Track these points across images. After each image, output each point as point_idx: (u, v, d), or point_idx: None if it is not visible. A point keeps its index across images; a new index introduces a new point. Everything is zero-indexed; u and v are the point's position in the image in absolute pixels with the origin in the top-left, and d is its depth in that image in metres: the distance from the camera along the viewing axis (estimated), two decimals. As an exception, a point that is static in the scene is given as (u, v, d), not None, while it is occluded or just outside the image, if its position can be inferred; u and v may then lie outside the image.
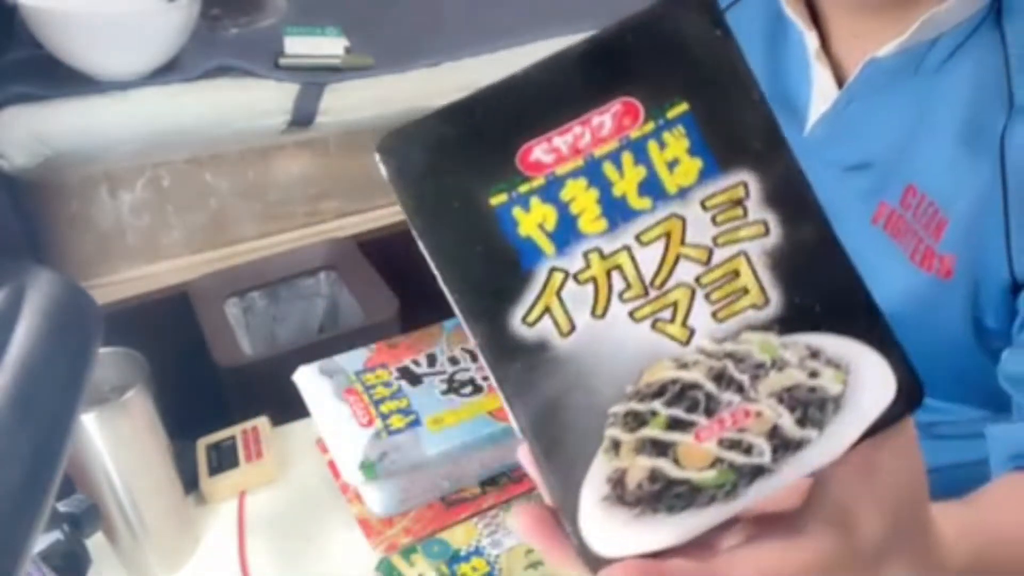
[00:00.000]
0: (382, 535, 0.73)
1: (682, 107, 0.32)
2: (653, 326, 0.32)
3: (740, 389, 0.31)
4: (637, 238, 0.32)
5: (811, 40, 0.68)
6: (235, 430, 0.85)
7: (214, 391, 1.20)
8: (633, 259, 0.32)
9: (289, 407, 0.80)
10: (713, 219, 0.32)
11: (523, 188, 0.32)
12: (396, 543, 0.72)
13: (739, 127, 0.32)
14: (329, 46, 1.49)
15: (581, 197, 0.32)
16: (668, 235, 0.32)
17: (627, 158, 0.32)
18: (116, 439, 0.67)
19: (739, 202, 0.32)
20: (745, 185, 0.32)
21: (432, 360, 0.78)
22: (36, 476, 0.42)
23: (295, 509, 0.79)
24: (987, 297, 0.61)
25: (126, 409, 0.67)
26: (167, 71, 1.34)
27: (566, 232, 0.32)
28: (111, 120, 1.31)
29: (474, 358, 0.78)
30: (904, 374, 0.32)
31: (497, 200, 0.31)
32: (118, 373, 0.69)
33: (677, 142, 0.32)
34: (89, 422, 0.65)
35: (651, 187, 0.32)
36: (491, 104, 0.32)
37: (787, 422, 0.31)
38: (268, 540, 0.77)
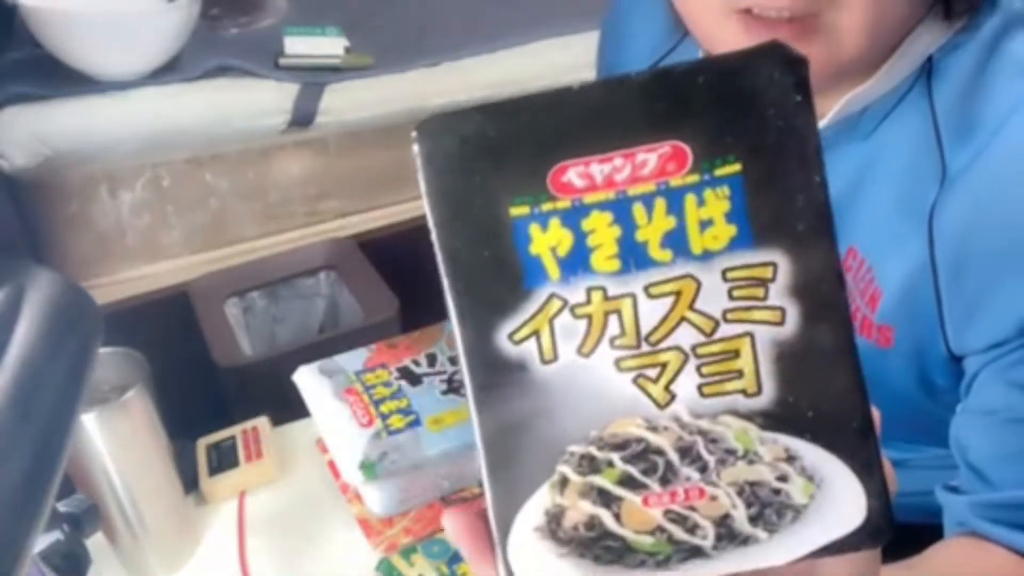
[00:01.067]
0: (382, 535, 0.73)
1: (734, 167, 0.30)
2: (635, 380, 0.31)
3: (703, 469, 0.31)
4: (646, 289, 0.31)
5: None
6: (235, 430, 0.85)
7: (214, 391, 1.20)
8: (636, 308, 0.31)
9: (289, 407, 0.80)
10: (730, 292, 0.31)
11: (546, 206, 0.31)
12: (396, 543, 0.72)
13: (789, 205, 0.31)
14: (329, 46, 1.49)
15: (602, 231, 0.31)
16: (678, 294, 0.31)
17: (660, 205, 0.30)
18: (116, 439, 0.67)
19: (763, 282, 0.30)
20: (775, 267, 0.30)
21: (432, 360, 0.78)
22: (36, 476, 0.42)
23: (295, 509, 0.79)
24: (932, 363, 0.60)
25: (126, 409, 0.67)
26: (167, 71, 1.34)
27: (577, 262, 0.31)
28: (111, 120, 1.31)
29: (474, 358, 0.78)
30: (877, 507, 0.31)
31: (517, 211, 0.31)
32: (118, 373, 0.69)
33: (717, 202, 0.30)
34: (89, 422, 0.65)
35: (676, 241, 0.30)
36: (538, 112, 0.31)
37: (740, 515, 0.31)
38: (268, 540, 0.77)
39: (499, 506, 0.31)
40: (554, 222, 0.31)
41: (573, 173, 0.31)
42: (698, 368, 0.31)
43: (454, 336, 0.32)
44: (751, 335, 0.30)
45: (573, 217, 0.31)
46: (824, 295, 0.31)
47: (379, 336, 0.83)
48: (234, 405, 1.18)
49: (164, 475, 0.73)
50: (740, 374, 0.31)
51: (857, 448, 0.31)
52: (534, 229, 0.31)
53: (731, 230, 0.30)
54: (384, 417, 0.72)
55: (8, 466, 0.40)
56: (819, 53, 0.52)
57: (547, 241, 0.31)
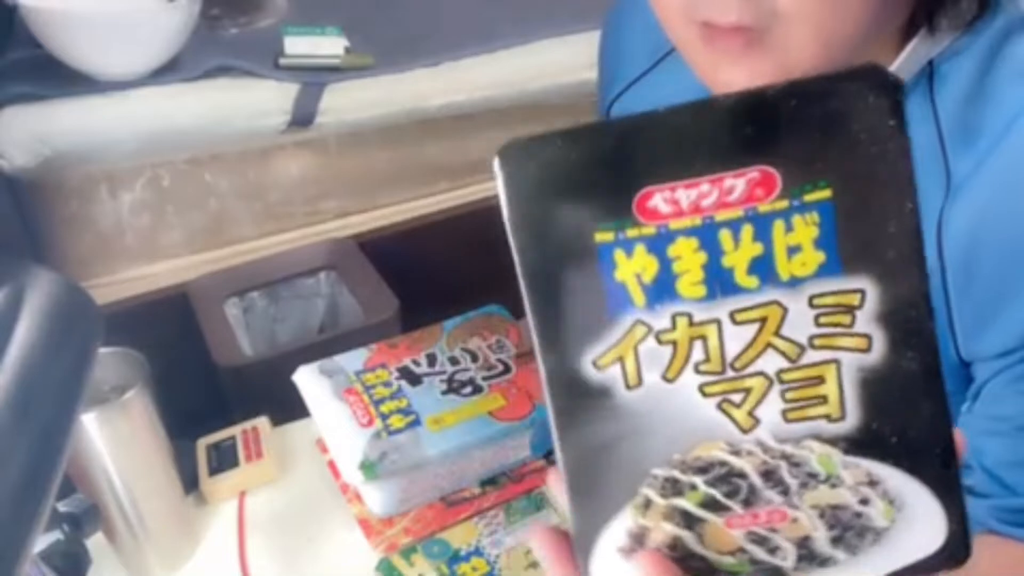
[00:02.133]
0: (382, 535, 0.73)
1: (824, 193, 0.30)
2: (719, 405, 0.31)
3: (785, 492, 0.31)
4: (731, 315, 0.31)
5: None
6: (235, 430, 0.85)
7: (214, 391, 1.20)
8: (721, 334, 0.31)
9: (289, 407, 0.80)
10: (816, 318, 0.31)
11: (632, 232, 0.31)
12: (396, 543, 0.72)
13: (879, 232, 0.30)
14: (329, 46, 1.49)
15: (688, 258, 0.31)
16: (764, 321, 0.31)
17: (747, 231, 0.30)
18: (116, 439, 0.67)
19: (850, 309, 0.30)
20: (863, 294, 0.30)
21: (432, 360, 0.78)
22: (36, 476, 0.42)
23: (295, 509, 0.79)
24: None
25: (126, 409, 0.67)
26: (167, 71, 1.34)
27: (662, 289, 0.31)
28: (111, 120, 1.31)
29: (474, 358, 0.78)
30: (956, 530, 0.31)
31: (602, 237, 0.31)
32: (118, 373, 0.69)
33: (806, 228, 0.30)
34: (89, 422, 0.65)
35: (763, 267, 0.30)
36: (623, 137, 0.31)
37: (821, 536, 0.31)
38: (268, 540, 0.77)
39: (582, 526, 0.32)
40: (639, 248, 0.31)
41: (659, 199, 0.31)
42: (782, 393, 0.31)
43: (536, 360, 0.32)
44: (837, 362, 0.31)
45: (659, 243, 0.31)
46: (912, 322, 0.30)
47: (379, 336, 0.83)
48: (234, 405, 1.18)
49: (164, 475, 0.73)
50: (824, 400, 0.31)
51: (940, 473, 0.31)
52: (619, 255, 0.31)
53: (819, 256, 0.30)
54: (384, 417, 0.72)
55: (8, 466, 0.40)
56: (770, 65, 0.52)
57: (632, 267, 0.31)
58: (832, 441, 0.31)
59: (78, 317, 0.47)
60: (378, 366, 0.77)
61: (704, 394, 0.31)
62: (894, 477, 0.31)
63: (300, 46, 1.47)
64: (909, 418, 0.31)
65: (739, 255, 0.31)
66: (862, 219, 0.30)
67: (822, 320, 0.31)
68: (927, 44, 0.56)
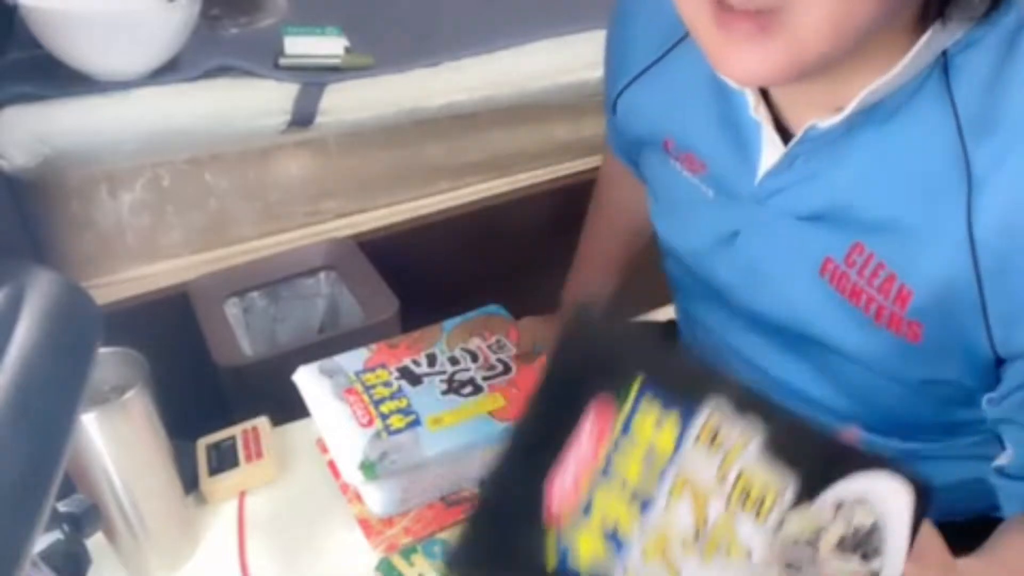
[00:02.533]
0: (382, 535, 0.73)
1: (639, 380, 0.37)
2: (725, 558, 0.36)
3: (805, 564, 0.36)
4: (666, 505, 0.37)
5: (749, 96, 0.66)
6: (235, 430, 0.85)
7: (214, 391, 1.20)
8: (673, 521, 0.36)
9: (289, 407, 0.80)
10: (708, 452, 0.37)
11: (554, 538, 0.36)
12: (396, 543, 0.72)
13: (686, 372, 0.37)
14: (329, 46, 1.49)
15: (613, 504, 0.37)
16: (685, 484, 0.36)
17: (625, 446, 0.37)
18: (116, 439, 0.67)
19: (717, 429, 0.37)
20: (714, 412, 0.37)
21: (432, 360, 0.78)
22: (36, 476, 0.42)
23: (295, 509, 0.79)
24: (967, 362, 0.60)
25: (126, 409, 0.67)
26: (167, 71, 1.34)
27: (616, 541, 0.36)
28: (111, 120, 1.31)
29: (474, 358, 0.78)
30: (909, 475, 0.38)
31: (552, 561, 0.36)
32: (118, 373, 0.69)
33: (651, 407, 0.37)
34: (89, 422, 0.65)
35: (652, 459, 0.37)
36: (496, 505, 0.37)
37: (855, 565, 0.37)
38: (268, 540, 0.77)
39: None
40: (579, 535, 0.37)
41: (556, 497, 0.37)
42: (743, 511, 0.37)
43: None
44: (743, 465, 0.37)
45: (584, 516, 0.37)
46: (757, 401, 0.38)
47: (379, 336, 0.83)
48: (234, 405, 1.18)
49: (164, 475, 0.73)
50: (765, 488, 0.37)
51: (857, 456, 0.37)
52: (571, 556, 0.36)
53: (674, 414, 0.38)
54: (384, 417, 0.72)
55: (8, 466, 0.40)
56: (780, 50, 0.53)
57: (586, 551, 0.36)
58: (796, 503, 0.37)
59: (78, 317, 0.47)
60: (378, 366, 0.77)
61: (706, 561, 0.37)
62: (845, 486, 0.37)
63: (300, 46, 1.47)
64: (810, 449, 0.38)
65: (633, 469, 0.37)
66: (671, 373, 0.38)
67: (713, 450, 0.37)
68: (940, 36, 0.56)
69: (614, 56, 0.83)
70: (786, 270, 0.68)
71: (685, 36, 0.74)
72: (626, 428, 0.37)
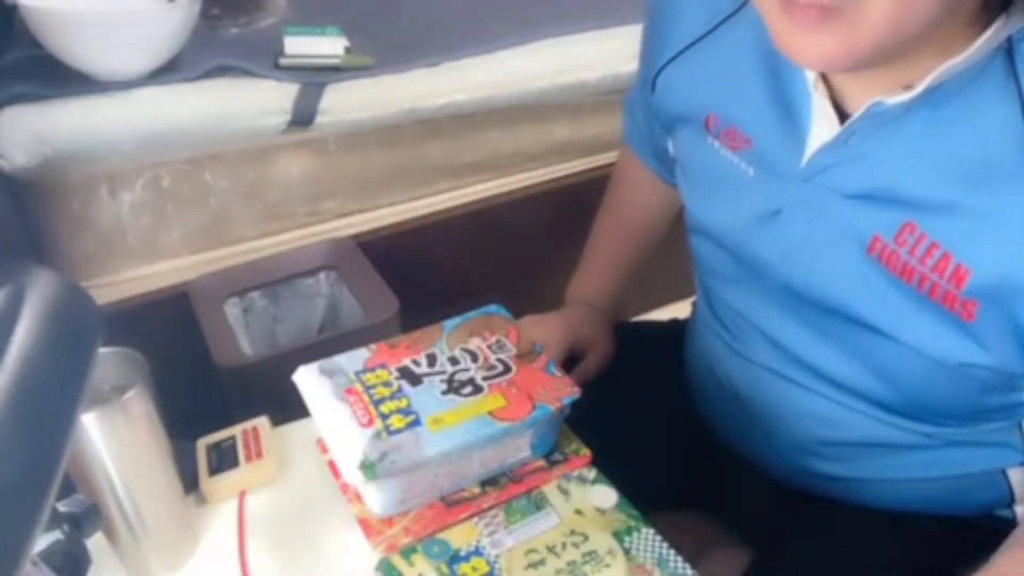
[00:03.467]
0: (382, 535, 0.73)
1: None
2: None
3: None
4: None
5: (809, 73, 0.67)
6: (235, 430, 0.85)
7: (214, 391, 1.20)
8: None
9: (289, 407, 0.80)
10: None
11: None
12: (396, 543, 0.72)
13: None
14: (329, 46, 1.49)
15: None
16: None
17: None
18: (116, 439, 0.67)
19: None
20: None
21: (432, 360, 0.78)
22: (36, 476, 0.42)
23: (295, 509, 0.79)
24: (1015, 344, 0.61)
25: (126, 409, 0.67)
26: (167, 71, 1.34)
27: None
28: (111, 120, 1.31)
29: (474, 358, 0.78)
30: None
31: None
32: (118, 373, 0.69)
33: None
34: (89, 422, 0.65)
35: None
36: None
37: None
38: (268, 540, 0.77)
39: None
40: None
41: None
42: None
43: None
44: None
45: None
46: None
47: (379, 336, 0.83)
48: (234, 405, 1.18)
49: (164, 475, 0.73)
50: None
51: None
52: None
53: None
54: (384, 417, 0.72)
55: (8, 466, 0.40)
56: (839, 39, 0.55)
57: None
58: None
59: (78, 317, 0.47)
60: (378, 366, 0.77)
61: None
62: None
63: (300, 46, 1.47)
64: None
65: None
66: None
67: None
68: (1005, 25, 0.57)
69: (657, 31, 0.83)
70: (831, 248, 0.68)
71: (734, 12, 0.75)
72: None
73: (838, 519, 0.82)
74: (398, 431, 0.71)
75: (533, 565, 0.67)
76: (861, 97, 0.64)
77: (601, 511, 0.70)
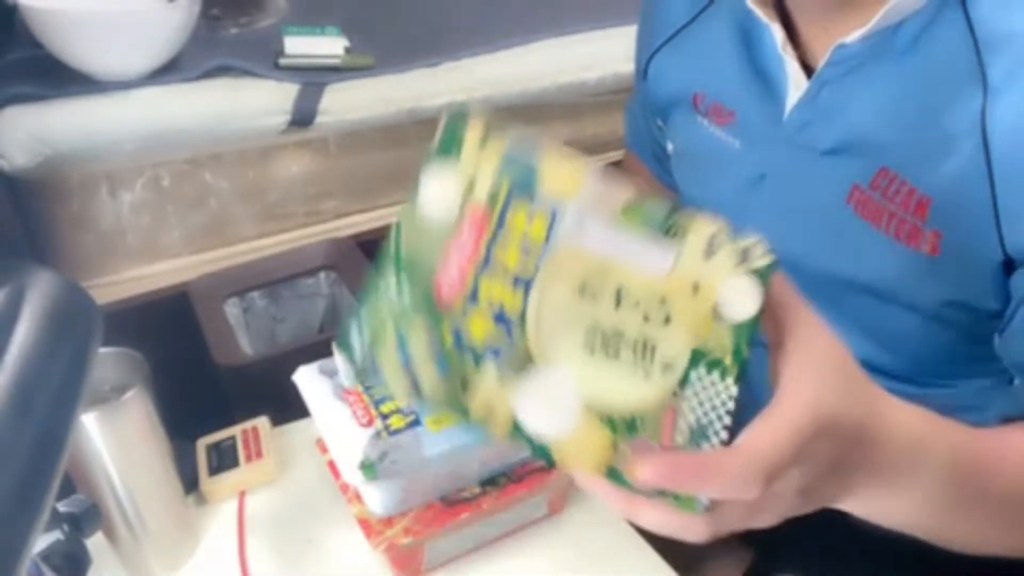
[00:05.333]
0: (382, 535, 0.73)
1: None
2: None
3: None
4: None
5: (776, 33, 0.69)
6: (235, 430, 0.85)
7: (214, 391, 1.20)
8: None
9: (289, 407, 0.80)
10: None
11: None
12: (396, 543, 0.72)
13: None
14: (329, 46, 1.49)
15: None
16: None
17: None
18: (116, 439, 0.67)
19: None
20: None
21: (432, 360, 0.78)
22: (36, 476, 0.42)
23: (295, 509, 0.79)
24: (982, 271, 0.63)
25: (126, 409, 0.67)
26: (167, 71, 1.34)
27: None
28: (111, 120, 1.31)
29: (474, 358, 0.78)
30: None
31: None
32: (118, 373, 0.69)
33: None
34: (89, 422, 0.65)
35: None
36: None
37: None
38: (268, 540, 0.77)
39: None
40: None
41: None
42: None
43: None
44: None
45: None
46: None
47: (379, 336, 0.82)
48: (234, 405, 1.18)
49: (164, 475, 0.73)
50: None
51: None
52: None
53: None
54: (384, 417, 0.72)
55: (8, 466, 0.40)
56: None
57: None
58: None
59: (78, 317, 0.47)
60: (378, 366, 0.77)
61: None
62: None
63: (300, 46, 1.47)
64: None
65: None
66: None
67: None
68: None
69: (648, 21, 0.88)
70: (812, 205, 0.71)
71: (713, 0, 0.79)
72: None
73: (838, 518, 0.82)
74: (398, 431, 0.71)
75: (582, 293, 0.43)
76: (826, 47, 0.66)
77: (716, 312, 0.42)
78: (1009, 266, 0.61)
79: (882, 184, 0.65)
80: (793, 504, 0.42)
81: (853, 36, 0.64)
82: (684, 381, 0.41)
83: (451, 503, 0.75)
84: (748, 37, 0.74)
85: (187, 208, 1.45)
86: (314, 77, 1.42)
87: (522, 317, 0.41)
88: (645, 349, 0.41)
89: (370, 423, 0.71)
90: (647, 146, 0.99)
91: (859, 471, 0.44)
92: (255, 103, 1.38)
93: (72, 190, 1.36)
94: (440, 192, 0.43)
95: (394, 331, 0.41)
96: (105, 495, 0.68)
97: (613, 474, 0.40)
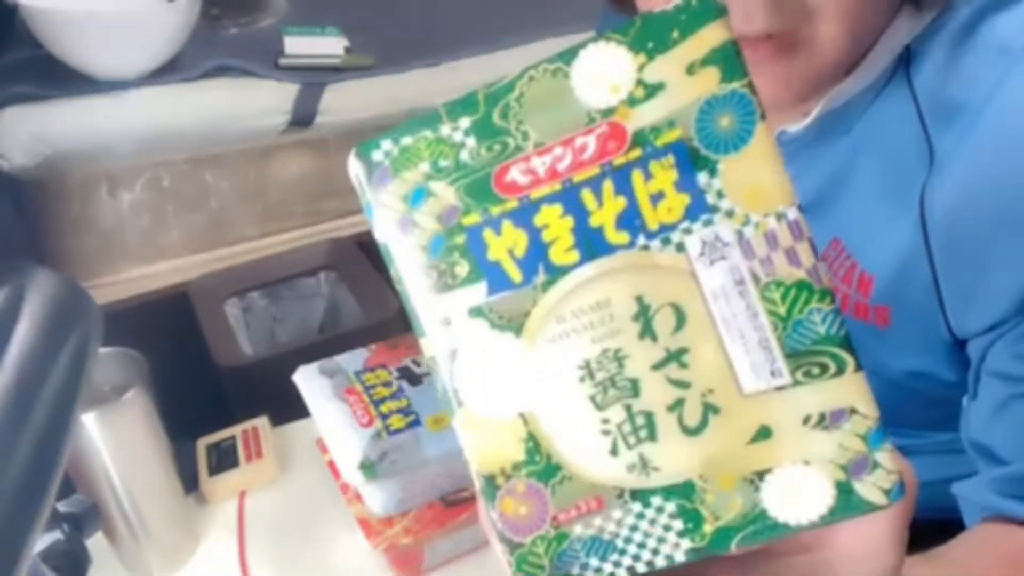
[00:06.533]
0: (382, 535, 0.73)
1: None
2: None
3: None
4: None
5: None
6: (235, 430, 0.85)
7: (214, 391, 1.20)
8: None
9: (289, 407, 0.80)
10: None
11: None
12: (396, 543, 0.72)
13: None
14: (329, 46, 1.49)
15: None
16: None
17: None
18: (116, 439, 0.67)
19: None
20: None
21: (432, 360, 0.78)
22: (36, 476, 0.42)
23: (295, 509, 0.79)
24: (934, 347, 0.60)
25: (126, 409, 0.67)
26: (167, 71, 1.34)
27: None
28: (111, 120, 1.31)
29: (474, 358, 0.78)
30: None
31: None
32: (118, 373, 0.69)
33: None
34: (89, 422, 0.65)
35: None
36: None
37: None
38: (268, 540, 0.77)
39: None
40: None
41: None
42: None
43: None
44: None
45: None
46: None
47: (379, 336, 0.83)
48: (234, 405, 1.18)
49: (164, 475, 0.73)
50: None
51: None
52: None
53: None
54: (384, 417, 0.72)
55: (8, 466, 0.40)
56: (800, 66, 0.53)
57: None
58: None
59: (78, 317, 0.47)
60: (378, 366, 0.77)
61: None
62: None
63: (300, 46, 1.47)
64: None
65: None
66: None
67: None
68: (908, 23, 0.57)
69: None
70: None
71: None
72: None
73: None
74: (398, 431, 0.71)
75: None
76: (772, 127, 0.64)
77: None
78: (959, 344, 0.59)
79: (831, 255, 0.63)
80: None
81: (797, 127, 0.61)
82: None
83: (451, 503, 0.75)
84: None
85: (187, 208, 1.45)
86: (314, 77, 1.42)
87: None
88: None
89: (370, 423, 0.71)
90: None
91: None
92: (255, 103, 1.38)
93: (72, 190, 1.36)
94: (606, 73, 0.30)
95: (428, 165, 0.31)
96: (105, 495, 0.68)
97: None
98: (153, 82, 1.33)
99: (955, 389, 0.62)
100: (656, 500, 0.32)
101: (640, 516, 0.32)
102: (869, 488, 0.31)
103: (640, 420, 0.31)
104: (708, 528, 0.31)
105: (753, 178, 0.30)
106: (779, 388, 0.31)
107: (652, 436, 0.31)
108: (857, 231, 0.61)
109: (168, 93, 1.34)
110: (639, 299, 0.31)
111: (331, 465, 0.80)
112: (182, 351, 1.15)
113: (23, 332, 0.43)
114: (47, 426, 0.43)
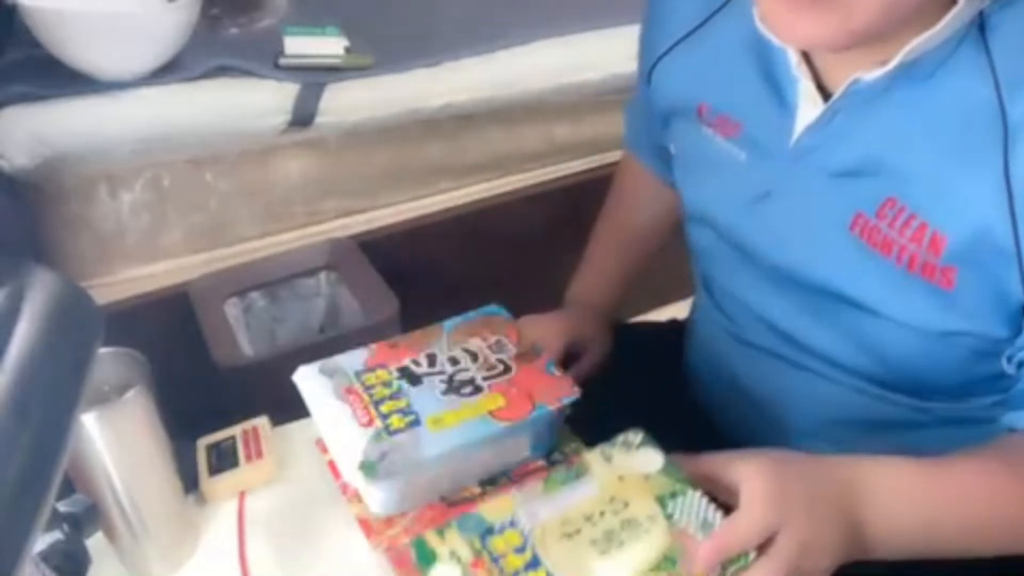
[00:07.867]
0: (382, 535, 0.73)
1: None
2: None
3: None
4: None
5: (791, 53, 0.69)
6: (235, 430, 0.85)
7: (214, 391, 1.20)
8: None
9: (289, 407, 0.80)
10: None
11: None
12: (396, 543, 0.72)
13: None
14: (329, 46, 1.49)
15: None
16: None
17: None
18: (116, 439, 0.67)
19: None
20: None
21: (432, 360, 0.78)
22: (36, 476, 0.42)
23: (295, 509, 0.79)
24: (993, 310, 0.62)
25: (126, 409, 0.67)
26: (167, 71, 1.34)
27: None
28: (111, 120, 1.31)
29: (474, 358, 0.78)
30: None
31: None
32: (118, 373, 0.69)
33: None
34: (89, 422, 0.65)
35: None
36: None
37: None
38: (268, 540, 0.77)
39: None
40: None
41: None
42: None
43: None
44: None
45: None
46: None
47: (379, 336, 0.83)
48: (234, 405, 1.18)
49: (164, 475, 0.73)
50: None
51: None
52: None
53: None
54: (384, 417, 0.72)
55: (8, 466, 0.40)
56: (831, 21, 0.57)
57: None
58: None
59: (78, 317, 0.47)
60: (378, 366, 0.77)
61: None
62: None
63: (300, 46, 1.47)
64: None
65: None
66: None
67: None
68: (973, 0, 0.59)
69: (654, 24, 0.86)
70: (816, 226, 0.70)
71: (724, 4, 0.78)
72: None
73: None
74: (398, 431, 0.71)
75: (568, 535, 0.63)
76: (841, 75, 0.65)
77: (646, 476, 0.66)
78: None
79: (888, 215, 0.64)
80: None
81: (871, 75, 0.63)
82: (669, 516, 0.61)
83: (451, 503, 0.75)
84: (761, 48, 0.72)
85: (187, 208, 1.45)
86: (314, 77, 1.42)
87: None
88: (631, 524, 0.60)
89: (370, 423, 0.71)
90: (647, 145, 0.98)
91: (840, 516, 0.58)
92: (255, 103, 1.38)
93: (72, 190, 1.36)
94: None
95: None
96: (105, 495, 0.68)
97: None
98: (153, 82, 1.33)
99: (1001, 344, 0.64)
100: None
101: None
102: None
103: None
104: None
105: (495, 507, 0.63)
106: None
107: None
108: (923, 190, 0.62)
109: (168, 93, 1.34)
110: None
111: (331, 465, 0.80)
112: (182, 351, 1.15)
113: (23, 332, 0.43)
114: (47, 426, 0.43)
